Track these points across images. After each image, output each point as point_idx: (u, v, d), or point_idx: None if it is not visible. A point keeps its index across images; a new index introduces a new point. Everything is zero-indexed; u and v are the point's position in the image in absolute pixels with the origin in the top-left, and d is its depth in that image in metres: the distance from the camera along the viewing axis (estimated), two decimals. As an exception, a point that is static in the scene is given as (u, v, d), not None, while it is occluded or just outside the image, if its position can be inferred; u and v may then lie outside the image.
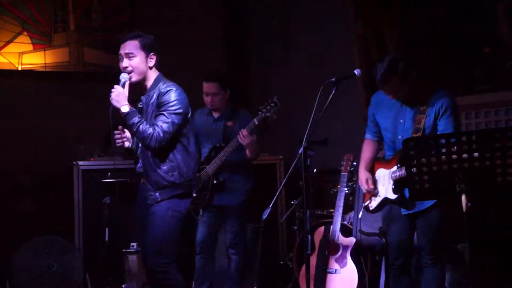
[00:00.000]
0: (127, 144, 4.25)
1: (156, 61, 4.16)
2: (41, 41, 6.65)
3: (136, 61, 4.09)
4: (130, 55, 4.09)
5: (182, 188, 4.12)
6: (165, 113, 4.03)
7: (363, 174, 4.29)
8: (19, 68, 6.57)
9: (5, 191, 6.32)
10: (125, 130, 4.22)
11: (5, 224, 6.13)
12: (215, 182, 5.09)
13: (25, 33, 6.60)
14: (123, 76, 4.08)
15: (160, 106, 4.06)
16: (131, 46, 4.10)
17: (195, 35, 7.11)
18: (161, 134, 3.98)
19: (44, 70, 6.67)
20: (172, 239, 4.14)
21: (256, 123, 4.89)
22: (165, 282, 4.10)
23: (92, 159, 6.16)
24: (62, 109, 6.55)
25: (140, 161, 4.16)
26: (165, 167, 4.08)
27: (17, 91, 6.49)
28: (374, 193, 4.24)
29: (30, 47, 6.62)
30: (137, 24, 6.72)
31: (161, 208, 4.08)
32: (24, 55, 6.59)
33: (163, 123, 4.01)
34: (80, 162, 6.07)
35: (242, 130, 4.95)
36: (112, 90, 4.05)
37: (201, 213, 5.19)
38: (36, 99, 6.51)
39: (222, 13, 7.47)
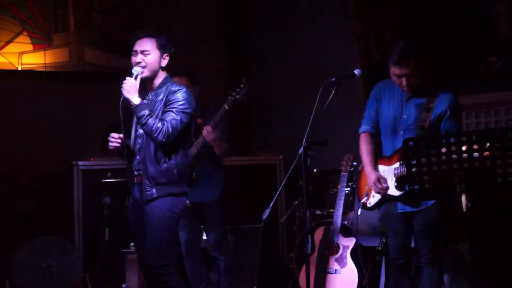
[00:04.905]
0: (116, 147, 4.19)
1: (168, 62, 4.19)
2: (41, 41, 6.65)
3: (150, 58, 4.12)
4: (146, 52, 4.12)
5: (178, 187, 4.13)
6: (174, 110, 4.05)
7: (372, 174, 4.20)
8: (19, 68, 6.57)
9: (5, 191, 6.32)
10: (121, 136, 4.18)
11: (5, 224, 6.13)
12: None
13: (25, 33, 6.60)
14: (136, 69, 4.10)
15: (168, 103, 4.08)
16: (148, 44, 4.13)
17: (195, 35, 7.11)
18: (170, 130, 4.00)
19: (44, 70, 6.67)
20: (171, 240, 4.15)
21: (227, 108, 4.89)
22: (166, 284, 4.08)
23: (92, 159, 6.16)
24: (62, 109, 6.55)
25: (138, 156, 4.15)
26: (165, 164, 4.08)
27: (17, 91, 6.49)
28: (386, 191, 4.17)
29: (30, 47, 6.62)
30: (137, 24, 6.72)
31: (158, 209, 4.06)
32: (24, 55, 6.59)
33: (172, 120, 4.03)
34: (80, 162, 6.06)
35: (206, 126, 4.96)
36: (124, 81, 4.06)
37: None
38: (36, 99, 6.51)
39: (222, 13, 7.47)
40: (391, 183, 4.15)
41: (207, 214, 5.22)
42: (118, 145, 4.15)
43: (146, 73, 4.12)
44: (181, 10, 7.16)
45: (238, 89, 4.90)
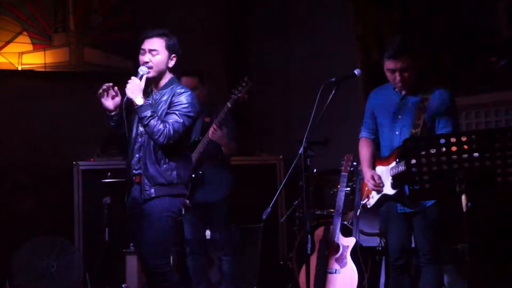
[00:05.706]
0: (110, 102, 4.13)
1: (175, 63, 4.18)
2: (41, 41, 6.65)
3: (158, 58, 4.11)
4: (154, 52, 4.11)
5: (177, 189, 4.12)
6: (177, 113, 4.04)
7: (367, 172, 4.26)
8: (19, 68, 6.57)
9: (5, 191, 6.32)
10: (115, 88, 4.14)
11: (5, 224, 6.13)
12: (193, 176, 5.06)
13: (25, 33, 6.59)
14: (142, 69, 4.09)
15: (172, 105, 4.07)
16: (157, 43, 4.12)
17: (195, 34, 7.11)
18: (171, 132, 3.99)
19: (44, 70, 6.66)
20: (169, 239, 4.15)
21: (230, 106, 4.92)
22: (165, 283, 4.08)
23: (92, 159, 6.16)
24: (62, 109, 6.54)
25: (137, 155, 4.14)
26: (165, 165, 4.08)
27: (17, 91, 6.49)
28: (381, 188, 4.20)
29: (30, 47, 6.62)
30: (137, 24, 6.72)
31: (156, 209, 4.06)
32: (24, 55, 6.58)
33: (175, 122, 4.01)
34: (80, 162, 6.08)
35: (212, 124, 4.97)
36: (129, 81, 4.05)
37: (183, 212, 5.14)
38: (36, 99, 6.51)
39: (223, 13, 7.47)
40: (388, 182, 4.16)
41: (214, 213, 5.21)
42: (109, 85, 4.11)
43: (152, 73, 4.12)
44: (181, 11, 7.15)
45: (240, 87, 4.93)
